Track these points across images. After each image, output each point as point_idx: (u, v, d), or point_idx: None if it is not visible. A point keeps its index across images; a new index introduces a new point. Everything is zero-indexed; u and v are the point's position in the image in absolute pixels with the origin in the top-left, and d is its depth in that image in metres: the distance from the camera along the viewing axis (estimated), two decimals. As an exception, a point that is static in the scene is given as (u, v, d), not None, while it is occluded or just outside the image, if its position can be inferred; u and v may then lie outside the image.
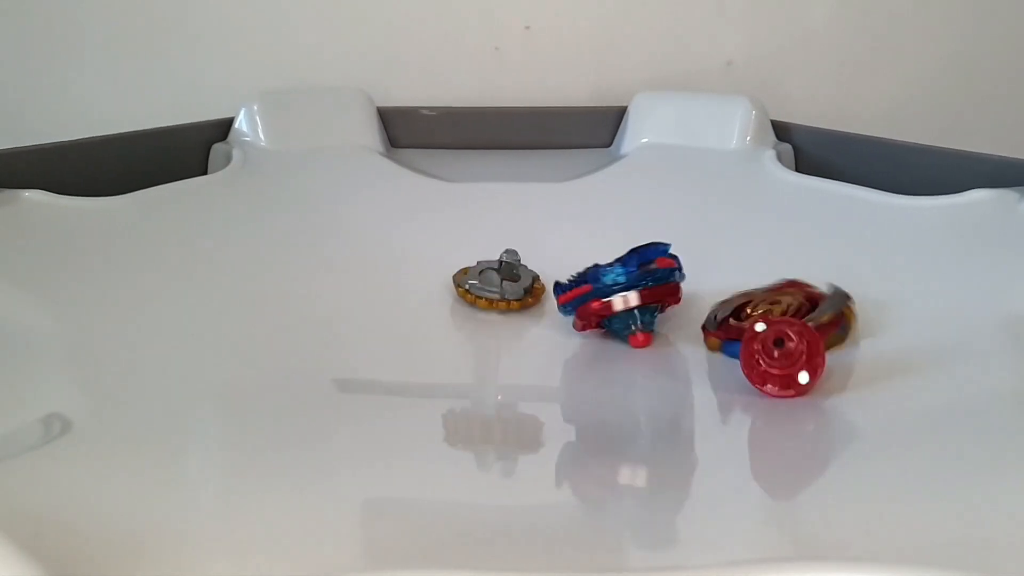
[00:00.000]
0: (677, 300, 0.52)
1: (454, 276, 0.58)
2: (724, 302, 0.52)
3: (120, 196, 0.62)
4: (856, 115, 0.85)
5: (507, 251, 0.58)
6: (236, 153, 0.72)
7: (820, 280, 0.52)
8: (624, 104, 0.80)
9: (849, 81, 0.88)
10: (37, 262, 0.54)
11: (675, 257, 0.52)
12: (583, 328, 0.53)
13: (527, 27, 0.87)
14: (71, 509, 0.32)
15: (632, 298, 0.50)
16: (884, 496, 0.35)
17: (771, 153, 0.72)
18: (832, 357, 0.45)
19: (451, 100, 0.84)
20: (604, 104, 0.83)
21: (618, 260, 0.52)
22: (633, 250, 0.52)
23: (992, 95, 0.88)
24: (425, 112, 0.82)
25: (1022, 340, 0.47)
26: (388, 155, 0.76)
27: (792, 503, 0.36)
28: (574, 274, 0.53)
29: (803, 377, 0.43)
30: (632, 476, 0.41)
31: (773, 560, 0.29)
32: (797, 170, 0.73)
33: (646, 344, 0.51)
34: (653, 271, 0.51)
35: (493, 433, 0.44)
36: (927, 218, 0.60)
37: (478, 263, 0.58)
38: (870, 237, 0.60)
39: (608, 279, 0.51)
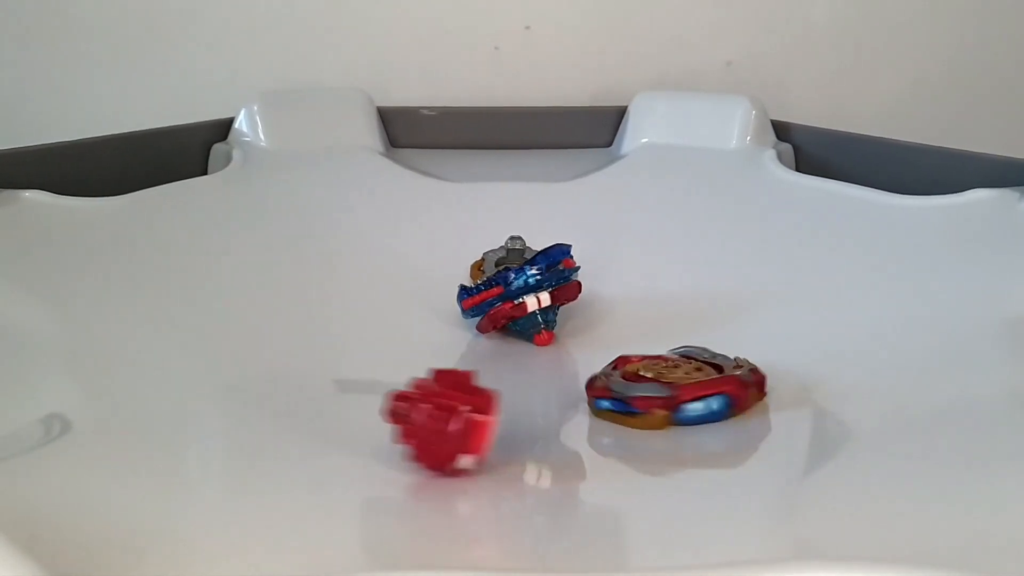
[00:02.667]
0: (575, 297, 0.54)
1: (471, 273, 0.59)
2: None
3: (120, 196, 0.62)
4: (856, 115, 0.85)
5: (512, 238, 0.58)
6: (236, 153, 0.72)
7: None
8: (624, 104, 0.80)
9: (849, 81, 0.88)
10: (37, 262, 0.54)
11: (573, 258, 0.54)
12: (487, 330, 0.54)
13: (527, 27, 0.87)
14: (71, 509, 0.32)
15: (544, 298, 0.52)
16: (884, 496, 0.35)
17: (771, 153, 0.72)
18: (833, 358, 0.45)
19: (451, 100, 0.84)
20: (604, 104, 0.83)
21: (526, 262, 0.54)
22: (540, 253, 0.54)
23: (992, 95, 0.88)
24: (425, 112, 0.82)
25: (1022, 340, 0.47)
26: (388, 155, 0.76)
27: (792, 503, 0.36)
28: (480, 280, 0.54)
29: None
30: (631, 476, 0.41)
31: (773, 560, 0.28)
32: (797, 170, 0.72)
33: (550, 342, 0.53)
34: (559, 271, 0.53)
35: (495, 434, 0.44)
36: (927, 218, 0.60)
37: (485, 256, 0.59)
38: (870, 237, 0.60)
39: (520, 281, 0.52)
